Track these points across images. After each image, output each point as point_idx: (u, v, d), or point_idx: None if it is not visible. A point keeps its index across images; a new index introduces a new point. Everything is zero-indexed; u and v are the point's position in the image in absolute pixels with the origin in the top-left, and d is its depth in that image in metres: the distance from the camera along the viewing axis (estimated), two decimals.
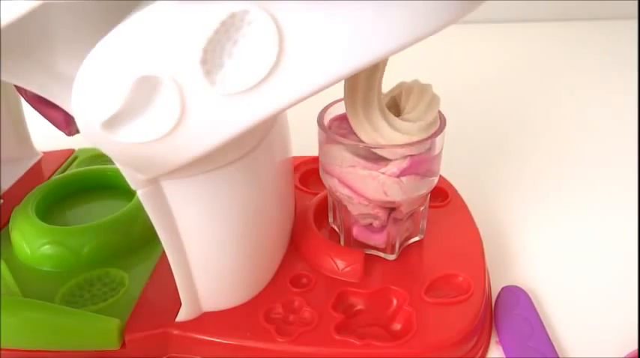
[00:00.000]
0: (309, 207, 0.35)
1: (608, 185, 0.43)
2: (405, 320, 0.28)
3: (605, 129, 0.51)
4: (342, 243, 0.33)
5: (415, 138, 0.27)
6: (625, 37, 0.71)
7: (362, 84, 0.26)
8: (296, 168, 0.38)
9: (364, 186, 0.28)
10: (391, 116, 0.27)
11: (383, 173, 0.27)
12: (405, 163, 0.27)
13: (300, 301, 0.29)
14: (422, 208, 0.32)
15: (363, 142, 0.27)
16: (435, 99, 0.28)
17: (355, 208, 0.30)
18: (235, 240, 0.27)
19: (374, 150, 0.27)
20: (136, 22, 0.17)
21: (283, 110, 0.20)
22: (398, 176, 0.27)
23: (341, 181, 0.29)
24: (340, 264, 0.30)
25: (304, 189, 0.38)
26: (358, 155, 0.27)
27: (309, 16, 0.18)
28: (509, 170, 0.45)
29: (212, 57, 0.18)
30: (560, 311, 0.31)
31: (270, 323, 0.27)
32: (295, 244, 0.33)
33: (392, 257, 0.31)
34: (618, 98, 0.56)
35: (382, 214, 0.30)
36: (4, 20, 0.18)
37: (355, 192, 0.28)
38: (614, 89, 0.59)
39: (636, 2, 0.74)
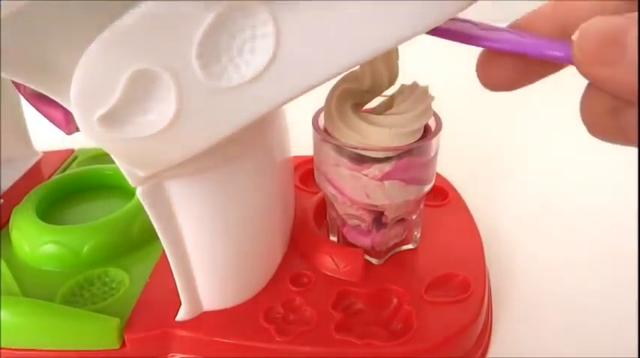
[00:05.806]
0: (309, 207, 0.35)
1: (609, 185, 0.43)
2: (404, 320, 0.28)
3: None
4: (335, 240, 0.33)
5: (406, 130, 0.26)
6: None
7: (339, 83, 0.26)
8: (296, 168, 0.38)
9: (347, 186, 0.28)
10: (370, 116, 0.27)
11: (365, 175, 0.27)
12: (388, 167, 0.26)
13: (300, 300, 0.29)
14: (414, 216, 0.31)
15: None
16: (426, 91, 0.27)
17: (341, 208, 0.30)
18: (235, 239, 0.27)
19: (357, 151, 0.27)
20: (133, 16, 0.17)
21: (283, 104, 0.19)
22: (380, 179, 0.27)
23: (327, 179, 0.29)
24: (340, 263, 0.30)
25: (304, 188, 0.38)
26: (343, 154, 0.27)
27: (307, 8, 0.18)
28: (509, 169, 0.45)
29: (208, 50, 0.18)
30: (560, 311, 0.31)
31: (270, 323, 0.27)
32: (295, 243, 0.33)
33: (377, 261, 0.31)
34: None
35: (367, 217, 0.29)
36: (2, 14, 0.18)
37: (339, 191, 0.28)
38: None
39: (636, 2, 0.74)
